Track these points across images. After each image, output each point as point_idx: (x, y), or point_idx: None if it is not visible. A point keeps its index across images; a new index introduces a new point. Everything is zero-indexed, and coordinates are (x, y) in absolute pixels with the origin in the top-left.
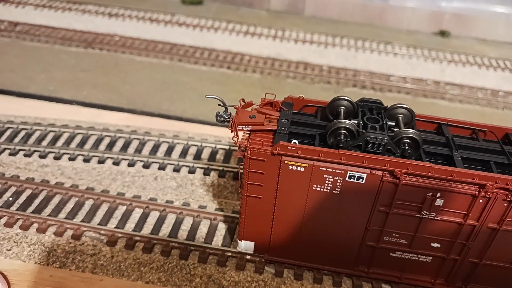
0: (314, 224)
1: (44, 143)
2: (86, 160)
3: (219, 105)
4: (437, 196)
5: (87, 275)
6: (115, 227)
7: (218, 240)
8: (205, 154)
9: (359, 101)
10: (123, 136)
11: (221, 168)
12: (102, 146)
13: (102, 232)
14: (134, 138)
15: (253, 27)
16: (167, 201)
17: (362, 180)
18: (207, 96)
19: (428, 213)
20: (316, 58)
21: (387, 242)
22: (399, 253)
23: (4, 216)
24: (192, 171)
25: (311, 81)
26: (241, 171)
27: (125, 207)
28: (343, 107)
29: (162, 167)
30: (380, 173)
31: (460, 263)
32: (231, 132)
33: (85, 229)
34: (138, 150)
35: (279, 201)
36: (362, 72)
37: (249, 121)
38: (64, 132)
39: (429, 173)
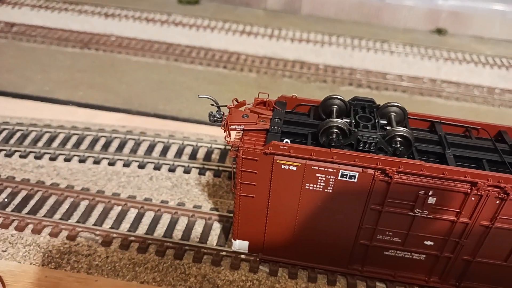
0: (308, 223)
1: (40, 144)
2: (82, 160)
3: (212, 104)
4: (430, 194)
5: (82, 275)
6: (110, 228)
7: (213, 240)
8: (201, 153)
9: (351, 99)
10: (119, 136)
11: (216, 167)
12: (98, 147)
13: (97, 232)
14: (130, 138)
15: (249, 26)
16: (162, 201)
17: (354, 179)
18: (199, 95)
19: (420, 211)
20: (312, 57)
21: (381, 241)
22: (392, 251)
23: (0, 217)
24: (187, 171)
25: (307, 80)
26: (235, 170)
27: (120, 208)
28: (335, 106)
29: (157, 167)
30: (372, 171)
31: (454, 260)
32: (224, 132)
33: (80, 229)
34: (134, 150)
35: (272, 200)
36: (358, 70)
37: (242, 120)
38: (59, 133)
39: (421, 171)
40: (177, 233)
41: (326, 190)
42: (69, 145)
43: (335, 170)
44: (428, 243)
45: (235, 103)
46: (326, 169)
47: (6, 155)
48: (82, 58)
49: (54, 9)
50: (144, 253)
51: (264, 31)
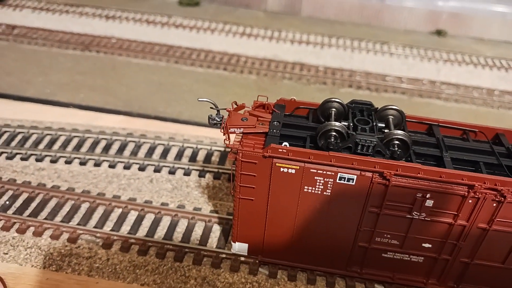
0: (307, 226)
1: (41, 146)
2: (82, 163)
3: (211, 108)
4: (427, 197)
5: (83, 277)
6: (111, 230)
7: (212, 242)
8: (201, 156)
9: (349, 103)
10: (119, 138)
11: (216, 170)
12: (98, 149)
13: (98, 235)
14: (130, 141)
15: (249, 28)
16: (162, 204)
17: (353, 182)
18: (199, 99)
19: (418, 213)
20: (312, 59)
21: (379, 243)
22: (391, 253)
23: (1, 219)
24: (187, 173)
25: (307, 82)
26: (234, 173)
27: (120, 210)
28: (334, 109)
29: (157, 170)
30: (370, 174)
31: (452, 263)
32: (223, 135)
33: (81, 232)
34: (134, 153)
35: (271, 203)
36: (358, 72)
37: (241, 123)
38: (60, 135)
39: (419, 174)
40: (177, 236)
41: (324, 193)
42: (70, 148)
43: (333, 173)
44: (426, 245)
45: (234, 106)
46: (324, 172)
47: (7, 158)
48: (83, 60)
49: (55, 11)
50: (145, 256)
51: (264, 33)
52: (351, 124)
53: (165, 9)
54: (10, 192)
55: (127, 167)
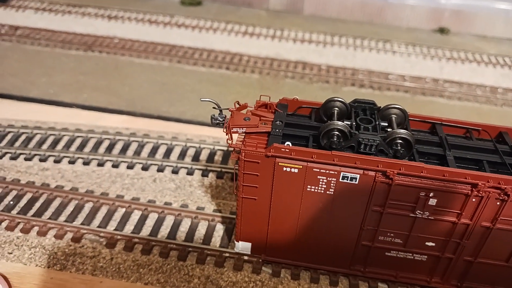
0: (310, 225)
1: (45, 146)
2: (86, 163)
3: (213, 107)
4: (430, 195)
5: (87, 277)
6: (115, 229)
7: (216, 241)
8: (204, 155)
9: (352, 102)
10: (122, 138)
11: (219, 169)
12: (102, 149)
13: (102, 234)
14: (133, 141)
15: (252, 27)
16: (166, 203)
17: (356, 181)
18: (201, 99)
19: (421, 212)
20: (315, 58)
21: (382, 242)
22: (394, 252)
23: (5, 219)
24: (190, 172)
25: (310, 80)
26: (237, 172)
27: (124, 209)
28: (336, 108)
29: (161, 169)
30: (373, 173)
31: (455, 261)
32: (226, 135)
33: (85, 231)
34: (137, 153)
35: (274, 202)
36: (361, 71)
37: (243, 123)
38: (64, 135)
39: (422, 173)
40: (181, 235)
41: (327, 192)
42: (73, 148)
43: (336, 172)
44: (430, 244)
45: (237, 106)
46: (327, 171)
47: (11, 158)
48: (86, 60)
49: (58, 12)
50: (148, 255)
51: (267, 31)
52: (354, 123)
53: (167, 8)
54: (14, 192)
55: (130, 166)
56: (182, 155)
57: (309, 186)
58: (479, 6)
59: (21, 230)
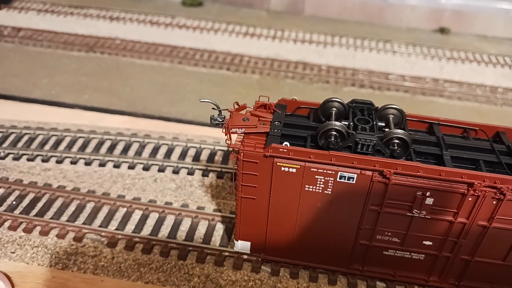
0: (308, 224)
1: (47, 147)
2: (88, 163)
3: (213, 108)
4: (427, 195)
5: (88, 276)
6: (116, 229)
7: (216, 241)
8: (204, 155)
9: (350, 102)
10: (124, 139)
11: (219, 169)
12: (103, 150)
13: (103, 234)
14: (135, 141)
15: (252, 28)
16: (166, 203)
17: (353, 180)
18: (201, 100)
19: (418, 211)
20: (315, 58)
21: (380, 241)
22: (392, 251)
23: (8, 219)
24: (191, 172)
25: (310, 81)
26: (236, 172)
27: (125, 209)
28: (334, 109)
29: (161, 169)
30: (370, 173)
31: (453, 260)
32: (225, 135)
33: (87, 231)
34: (138, 153)
35: (273, 201)
36: (361, 71)
37: (242, 124)
38: (66, 136)
39: (418, 173)
40: (181, 234)
41: (325, 192)
42: (75, 148)
43: (333, 172)
44: (427, 243)
45: (236, 106)
46: (325, 171)
47: (14, 159)
48: (88, 61)
49: (59, 13)
50: (149, 254)
51: (267, 32)
52: (351, 124)
53: (168, 9)
54: (17, 192)
55: (131, 167)
56: (183, 155)
57: (307, 186)
58: (480, 6)
59: (24, 230)
